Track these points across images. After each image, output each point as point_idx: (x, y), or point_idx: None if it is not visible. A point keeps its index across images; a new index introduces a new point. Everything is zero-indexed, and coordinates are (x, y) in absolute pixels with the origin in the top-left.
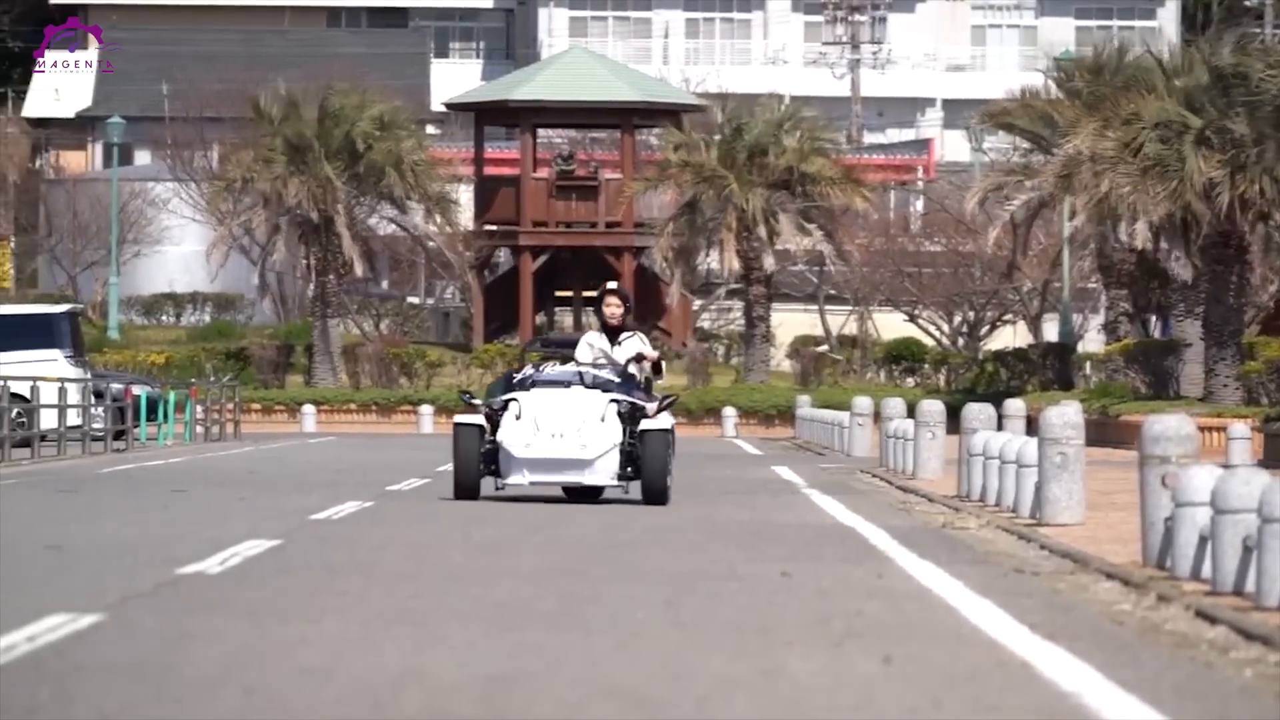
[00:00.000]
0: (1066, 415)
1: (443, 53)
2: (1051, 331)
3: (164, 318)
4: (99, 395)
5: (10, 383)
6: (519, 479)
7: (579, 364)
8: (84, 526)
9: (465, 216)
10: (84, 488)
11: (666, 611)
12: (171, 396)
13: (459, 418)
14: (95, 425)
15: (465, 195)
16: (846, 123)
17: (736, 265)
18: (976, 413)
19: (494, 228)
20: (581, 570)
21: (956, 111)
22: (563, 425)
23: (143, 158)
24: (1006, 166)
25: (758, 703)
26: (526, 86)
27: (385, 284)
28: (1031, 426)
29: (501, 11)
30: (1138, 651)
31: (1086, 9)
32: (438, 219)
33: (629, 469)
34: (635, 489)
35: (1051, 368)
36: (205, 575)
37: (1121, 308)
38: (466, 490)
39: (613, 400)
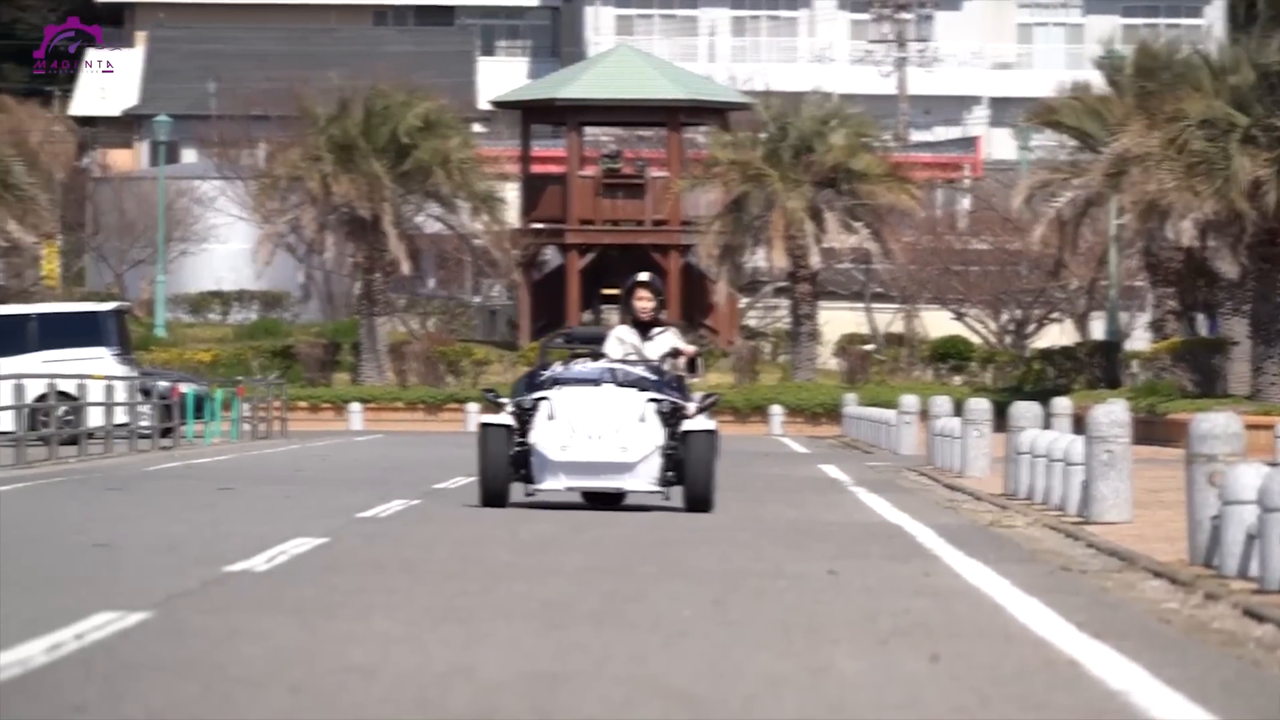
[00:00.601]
0: (1113, 413)
1: (489, 51)
2: (1098, 330)
3: (211, 316)
4: (146, 393)
5: (58, 380)
6: (554, 484)
7: (610, 360)
8: (131, 524)
9: (512, 215)
10: (131, 485)
11: (713, 610)
12: (218, 394)
13: (484, 418)
14: (142, 423)
15: (512, 193)
16: (893, 121)
17: (783, 263)
18: (1023, 411)
19: (541, 226)
20: (628, 568)
21: (1003, 109)
22: (600, 426)
23: (189, 156)
24: (1053, 164)
25: (804, 701)
26: (573, 85)
27: (432, 282)
28: (1078, 425)
29: (548, 10)
30: (1185, 650)
31: (1133, 6)
32: (484, 217)
33: (670, 474)
34: (676, 495)
35: (1098, 366)
36: (252, 573)
37: (1168, 306)
38: (495, 496)
39: (651, 399)
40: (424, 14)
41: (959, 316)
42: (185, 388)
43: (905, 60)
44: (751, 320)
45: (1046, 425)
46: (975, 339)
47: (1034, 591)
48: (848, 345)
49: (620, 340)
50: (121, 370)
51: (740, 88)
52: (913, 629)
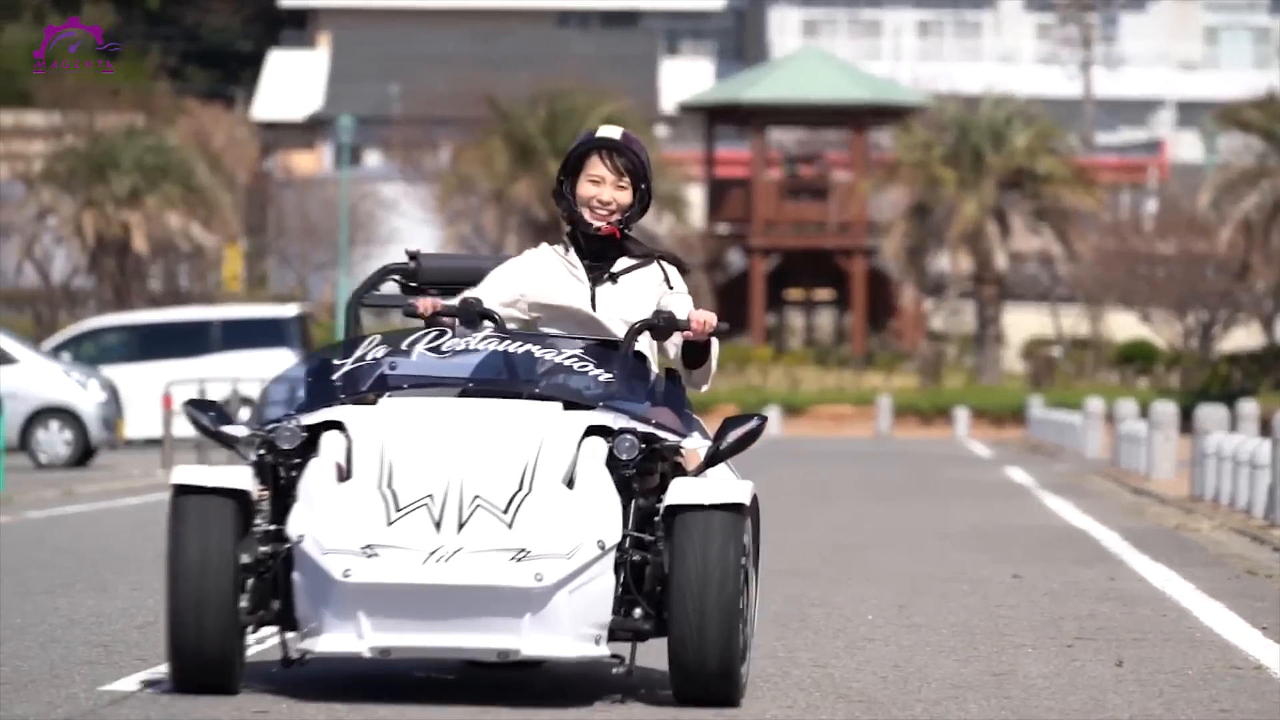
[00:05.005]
0: None
1: (673, 52)
2: None
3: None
4: None
5: (240, 384)
6: (345, 639)
7: (500, 332)
8: None
9: (696, 217)
10: None
11: (898, 614)
12: None
13: (180, 474)
14: None
15: (696, 196)
16: (1079, 123)
17: (967, 265)
18: (1209, 414)
19: (725, 229)
20: (811, 572)
21: (1189, 112)
22: (460, 492)
23: (372, 159)
24: (1241, 166)
25: (988, 705)
26: (757, 86)
27: None
28: (1265, 428)
29: (732, 12)
30: None
31: None
32: (669, 219)
33: (636, 611)
34: (653, 650)
35: None
36: None
37: None
38: (201, 665)
39: (594, 430)
40: (608, 17)
41: (1145, 319)
42: None
43: (1090, 62)
44: (936, 323)
45: (1233, 428)
46: (1161, 342)
47: (1219, 596)
48: (1034, 349)
49: (538, 281)
50: None
51: (924, 90)
52: (1097, 633)
